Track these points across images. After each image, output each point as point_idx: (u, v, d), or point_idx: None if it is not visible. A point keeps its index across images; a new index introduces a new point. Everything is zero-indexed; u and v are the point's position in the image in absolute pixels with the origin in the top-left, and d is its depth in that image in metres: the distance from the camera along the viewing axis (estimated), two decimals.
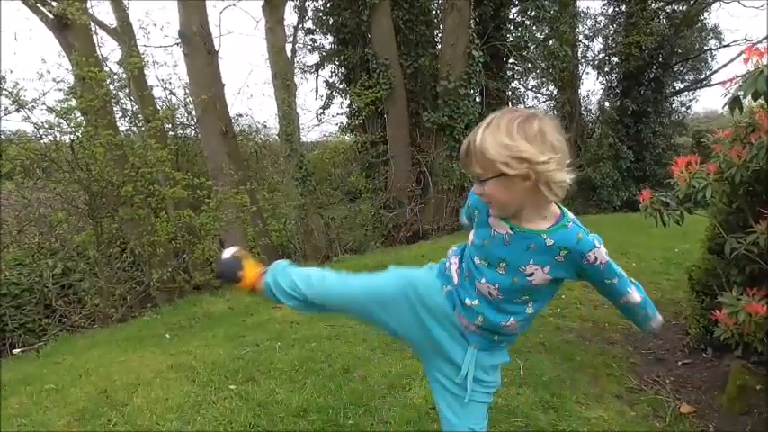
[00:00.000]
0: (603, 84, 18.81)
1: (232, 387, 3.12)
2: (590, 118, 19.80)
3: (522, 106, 14.86)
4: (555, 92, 19.90)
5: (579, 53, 18.93)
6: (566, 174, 1.58)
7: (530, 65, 15.64)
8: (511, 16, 13.91)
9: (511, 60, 14.23)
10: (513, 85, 14.89)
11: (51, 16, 8.41)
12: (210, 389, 3.13)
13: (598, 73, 18.90)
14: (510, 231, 1.63)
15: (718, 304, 3.12)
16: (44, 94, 6.76)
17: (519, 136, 1.49)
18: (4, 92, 6.28)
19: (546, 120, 1.56)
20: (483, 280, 1.68)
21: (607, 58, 18.51)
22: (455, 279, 1.76)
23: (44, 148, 6.67)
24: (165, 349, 4.02)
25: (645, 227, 7.95)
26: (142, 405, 2.93)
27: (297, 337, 4.01)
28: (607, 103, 18.69)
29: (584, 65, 19.36)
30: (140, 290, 6.89)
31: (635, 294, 1.73)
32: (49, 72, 6.90)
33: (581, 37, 18.78)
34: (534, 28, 14.42)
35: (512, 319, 1.70)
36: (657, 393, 3.14)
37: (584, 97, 19.67)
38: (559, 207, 1.68)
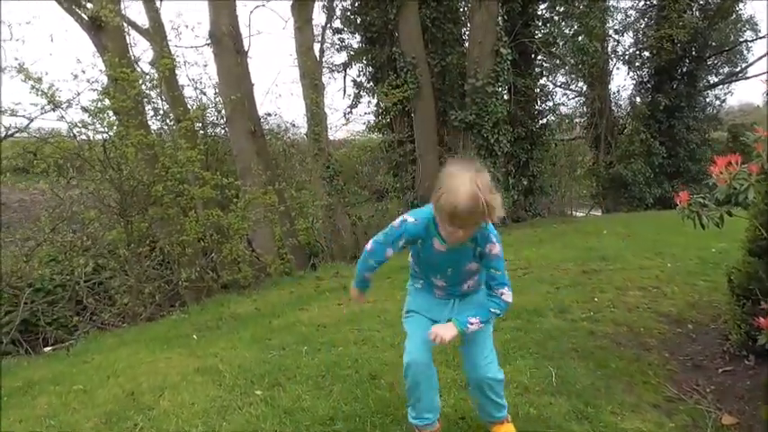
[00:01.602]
0: (634, 79, 18.46)
1: (258, 392, 3.10)
2: (621, 114, 19.43)
3: (551, 103, 14.63)
4: (584, 88, 19.59)
5: (609, 48, 18.60)
6: None
7: (558, 61, 15.41)
8: (539, 12, 13.69)
9: (539, 57, 14.01)
10: (542, 81, 14.65)
11: (86, 18, 8.54)
12: (236, 394, 3.11)
13: (629, 68, 18.54)
14: (444, 246, 2.26)
15: (760, 310, 2.99)
16: (78, 94, 6.84)
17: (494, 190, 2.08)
18: (39, 92, 6.38)
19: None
20: (437, 281, 2.45)
21: (638, 52, 18.14)
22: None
23: (78, 147, 6.78)
24: (192, 351, 4.02)
25: (679, 225, 7.68)
26: (168, 409, 2.92)
27: (323, 341, 3.97)
28: (638, 99, 18.32)
29: (615, 60, 19.03)
30: (169, 288, 6.96)
31: (506, 294, 2.32)
32: (83, 72, 6.98)
33: (611, 32, 18.44)
34: (563, 24, 14.18)
35: (465, 285, 2.46)
36: (697, 403, 3.02)
37: (614, 93, 19.35)
38: None
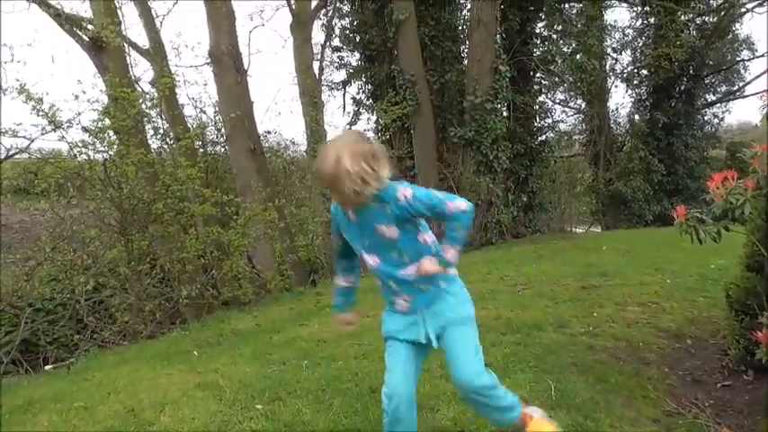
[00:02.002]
0: (633, 96, 18.61)
1: (258, 407, 3.10)
2: (619, 131, 19.55)
3: (550, 120, 14.75)
4: (583, 105, 19.73)
5: (607, 66, 18.77)
6: None
7: (557, 79, 15.53)
8: (537, 30, 13.86)
9: (538, 74, 14.15)
10: (541, 99, 14.77)
11: (87, 39, 8.65)
12: (237, 408, 3.12)
13: (627, 86, 18.71)
14: (355, 215, 2.23)
15: (758, 324, 3.01)
16: (79, 114, 6.91)
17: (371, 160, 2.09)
18: (40, 112, 6.45)
19: None
20: (370, 259, 2.29)
21: (636, 70, 18.30)
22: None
23: (78, 167, 6.83)
24: (193, 367, 4.03)
25: (678, 242, 7.73)
26: (169, 425, 2.93)
27: (323, 355, 3.98)
28: (637, 116, 18.45)
29: (613, 78, 19.19)
30: (169, 306, 6.96)
31: (456, 204, 2.13)
32: (84, 92, 7.04)
33: (609, 50, 18.62)
34: (561, 42, 14.35)
35: (401, 271, 2.25)
36: (696, 417, 3.02)
37: (613, 110, 19.48)
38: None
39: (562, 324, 4.51)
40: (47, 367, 5.22)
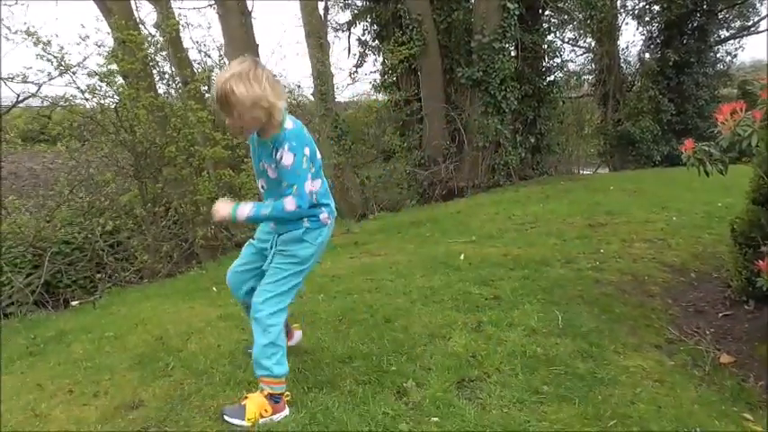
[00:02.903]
0: (644, 34, 18.18)
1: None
2: (629, 70, 19.22)
3: (559, 60, 14.48)
4: (593, 44, 19.33)
5: (618, 2, 18.26)
6: None
7: (566, 16, 15.18)
8: None
9: (547, 12, 13.81)
10: (550, 38, 14.43)
11: None
12: None
13: (638, 23, 18.24)
14: (258, 142, 2.41)
15: (761, 255, 3.11)
16: (85, 59, 6.89)
17: (243, 85, 2.21)
18: (50, 56, 6.44)
19: None
20: (258, 180, 2.52)
21: (648, 6, 17.82)
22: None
23: (90, 111, 6.86)
24: (213, 301, 4.20)
25: (687, 182, 7.86)
26: (196, 351, 3.10)
27: (338, 289, 4.14)
28: (647, 55, 18.08)
29: (624, 15, 18.70)
30: (185, 247, 7.13)
31: (288, 201, 2.27)
32: (88, 37, 6.99)
33: None
34: None
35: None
36: (697, 344, 3.17)
37: (623, 49, 19.08)
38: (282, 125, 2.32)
39: (569, 260, 4.64)
40: (73, 303, 5.42)
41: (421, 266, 4.67)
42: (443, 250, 5.20)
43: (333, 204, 2.57)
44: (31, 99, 7.19)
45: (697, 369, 2.93)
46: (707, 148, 3.14)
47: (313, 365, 2.83)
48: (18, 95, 7.10)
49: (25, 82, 6.85)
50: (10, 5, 7.12)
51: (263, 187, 2.51)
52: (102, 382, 2.81)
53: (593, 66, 19.41)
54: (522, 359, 2.86)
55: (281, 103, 2.26)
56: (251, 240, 2.68)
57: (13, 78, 6.88)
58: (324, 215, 2.48)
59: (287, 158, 2.25)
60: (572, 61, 19.05)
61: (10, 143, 6.25)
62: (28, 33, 6.54)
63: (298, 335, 3.00)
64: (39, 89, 6.91)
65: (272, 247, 2.49)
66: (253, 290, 2.53)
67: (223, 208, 2.37)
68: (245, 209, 2.34)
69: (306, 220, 2.43)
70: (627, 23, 19.54)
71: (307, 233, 2.45)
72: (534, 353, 2.94)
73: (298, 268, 2.46)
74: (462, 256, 4.84)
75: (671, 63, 16.38)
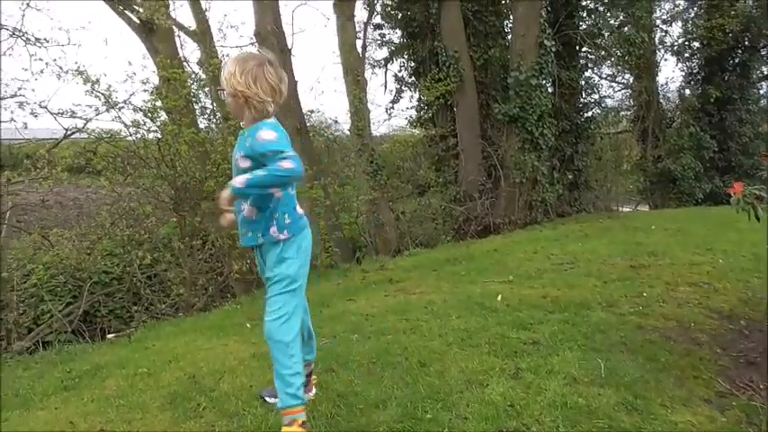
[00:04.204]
0: (684, 70, 17.93)
1: (312, 377, 3.21)
2: (669, 106, 18.91)
3: (596, 96, 14.38)
4: (631, 80, 19.13)
5: (657, 39, 18.09)
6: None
7: (604, 53, 15.08)
8: (584, 3, 13.44)
9: (584, 49, 13.77)
10: (587, 74, 14.39)
11: (138, 22, 8.84)
12: None
13: (678, 59, 18.01)
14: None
15: None
16: (131, 95, 7.13)
17: (244, 72, 2.35)
18: (97, 93, 6.68)
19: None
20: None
21: (687, 43, 17.61)
22: None
23: (133, 146, 7.07)
24: (247, 338, 4.18)
25: (731, 221, 7.61)
26: (228, 391, 3.07)
27: (372, 329, 4.07)
28: (688, 91, 17.79)
29: (663, 51, 18.49)
30: (220, 280, 7.17)
31: (284, 162, 2.18)
32: (135, 74, 7.25)
33: (658, 22, 17.94)
34: (608, 14, 13.88)
35: (243, 204, 2.44)
36: (751, 399, 2.99)
37: (662, 85, 18.81)
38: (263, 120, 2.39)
39: (610, 303, 4.49)
40: (109, 336, 5.48)
41: (457, 307, 4.58)
42: (480, 290, 5.10)
43: (305, 218, 2.61)
44: (77, 133, 7.47)
45: (752, 427, 2.75)
46: (758, 192, 3.03)
47: (346, 410, 2.77)
48: (66, 130, 7.37)
49: (73, 117, 7.13)
50: (63, 45, 7.42)
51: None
52: (133, 421, 2.79)
53: (632, 102, 19.18)
54: (564, 410, 2.74)
55: (268, 101, 2.37)
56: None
57: (62, 114, 7.17)
58: (298, 209, 2.55)
59: (268, 134, 2.27)
60: (610, 97, 18.88)
61: (56, 178, 6.46)
62: (78, 72, 6.82)
63: (313, 392, 2.93)
64: (86, 124, 7.18)
65: (263, 268, 2.54)
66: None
67: (223, 192, 2.33)
68: (242, 177, 2.25)
69: (279, 229, 2.45)
70: (666, 59, 19.34)
71: (286, 248, 2.47)
72: (576, 404, 2.81)
73: (291, 287, 2.48)
74: (499, 297, 4.73)
75: (712, 99, 16.10)
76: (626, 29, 13.49)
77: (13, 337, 5.67)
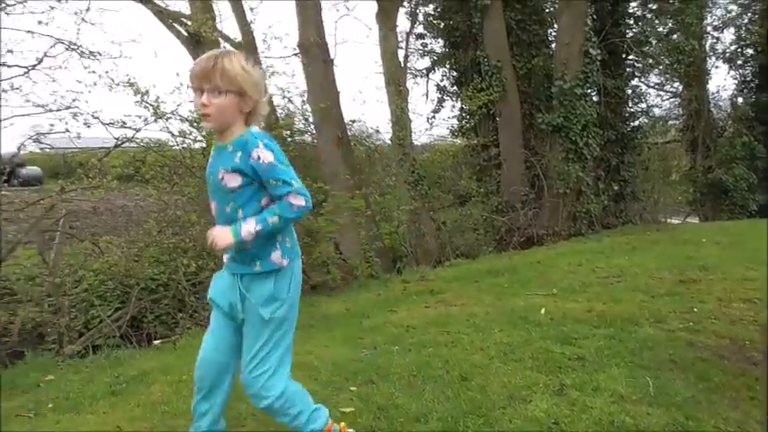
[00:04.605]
0: (736, 78, 17.36)
1: (352, 389, 3.21)
2: (720, 115, 18.30)
3: (643, 105, 14.06)
4: (680, 88, 18.62)
5: (707, 46, 17.58)
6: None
7: (651, 61, 14.73)
8: (630, 10, 13.19)
9: (631, 57, 13.48)
10: (634, 82, 14.07)
11: (186, 34, 9.09)
12: (332, 389, 3.24)
13: (730, 66, 17.45)
14: (213, 152, 2.13)
15: None
16: (179, 106, 7.31)
17: (252, 68, 2.04)
18: (146, 104, 6.88)
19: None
20: (211, 202, 2.16)
21: (740, 49, 17.04)
22: None
23: (179, 155, 7.23)
24: None
25: None
26: None
27: (413, 341, 4.05)
28: (740, 99, 17.22)
29: (714, 58, 17.95)
30: None
31: (293, 197, 1.98)
32: (182, 85, 7.44)
33: (709, 29, 17.43)
34: (656, 21, 13.59)
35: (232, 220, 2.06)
36: None
37: (713, 93, 18.23)
38: (249, 127, 2.10)
39: (659, 319, 4.35)
40: (155, 342, 5.60)
41: (499, 320, 4.51)
42: (523, 303, 5.02)
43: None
44: (127, 143, 7.70)
45: None
46: None
47: (387, 424, 2.75)
48: (117, 139, 7.61)
49: (124, 127, 7.36)
50: (115, 58, 7.67)
51: (214, 209, 2.16)
52: (177, 428, 2.83)
53: (681, 110, 18.65)
54: (610, 429, 2.66)
55: (262, 102, 2.09)
56: (213, 306, 2.27)
57: (113, 124, 7.41)
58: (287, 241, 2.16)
59: (266, 156, 1.97)
60: (658, 106, 18.41)
61: (107, 186, 6.67)
62: (129, 84, 7.04)
63: None
64: (135, 134, 7.39)
65: (242, 305, 2.12)
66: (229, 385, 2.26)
67: (222, 236, 2.00)
68: (249, 225, 1.98)
69: (283, 254, 2.12)
70: (717, 67, 18.69)
71: (279, 280, 2.11)
72: (623, 423, 2.72)
73: (280, 331, 2.16)
74: (543, 311, 4.64)
75: (767, 108, 15.52)
76: (675, 36, 13.18)
77: (64, 341, 5.84)
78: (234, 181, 2.02)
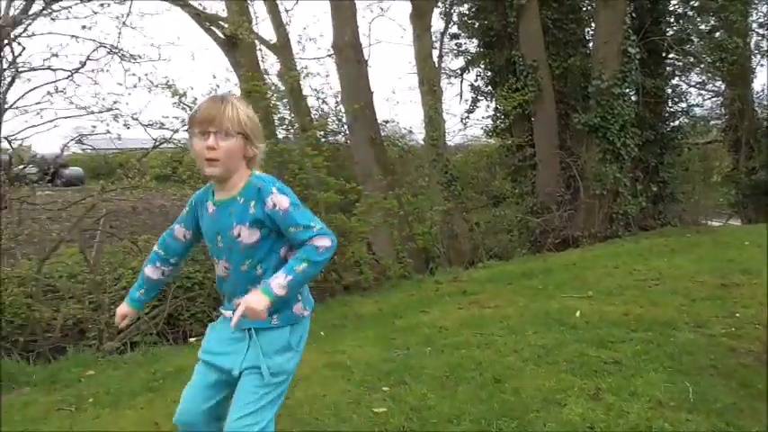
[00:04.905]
0: None
1: (385, 389, 3.21)
2: (765, 115, 17.70)
3: (684, 105, 13.71)
4: (723, 87, 18.09)
5: (752, 44, 17.03)
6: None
7: (693, 59, 14.35)
8: (671, 8, 12.88)
9: (671, 56, 13.17)
10: (674, 81, 13.74)
11: (223, 37, 9.24)
12: (364, 389, 3.25)
13: None
14: (214, 207, 1.90)
15: None
16: None
17: (254, 115, 1.89)
18: (182, 105, 7.02)
19: None
20: (218, 263, 1.93)
21: None
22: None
23: None
24: (321, 347, 4.23)
25: None
26: (302, 399, 3.11)
27: (446, 343, 4.03)
28: None
29: (759, 56, 17.36)
30: None
31: (319, 239, 1.79)
32: (218, 86, 7.57)
33: (754, 26, 16.86)
34: (698, 19, 13.23)
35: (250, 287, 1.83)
36: None
37: (758, 92, 17.65)
38: (252, 171, 1.91)
39: (699, 323, 4.24)
40: (190, 339, 5.70)
41: (533, 322, 4.45)
42: (557, 306, 4.94)
43: None
44: (165, 143, 7.87)
45: None
46: None
47: (419, 424, 2.74)
48: (155, 140, 7.78)
49: (162, 128, 7.52)
50: (154, 60, 7.84)
51: (225, 269, 1.92)
52: None
53: (723, 110, 18.11)
54: None
55: (261, 149, 1.92)
56: (200, 359, 2.02)
57: (152, 125, 7.58)
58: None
59: (282, 202, 1.80)
60: (699, 106, 17.89)
61: (145, 186, 6.81)
62: (167, 86, 7.19)
63: None
64: (173, 135, 7.55)
65: (245, 349, 1.89)
66: None
67: (257, 300, 1.74)
68: (279, 279, 1.76)
69: (304, 304, 1.96)
70: (762, 65, 18.13)
71: (293, 334, 1.93)
72: (661, 429, 2.66)
73: (283, 387, 1.95)
74: (578, 314, 4.56)
75: None
76: (718, 34, 12.80)
77: (104, 338, 6.00)
78: (253, 236, 1.84)
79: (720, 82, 17.71)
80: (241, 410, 1.85)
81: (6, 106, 6.01)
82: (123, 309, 2.10)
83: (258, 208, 1.82)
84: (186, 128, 1.68)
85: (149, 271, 2.09)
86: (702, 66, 15.11)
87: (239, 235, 1.84)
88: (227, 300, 1.98)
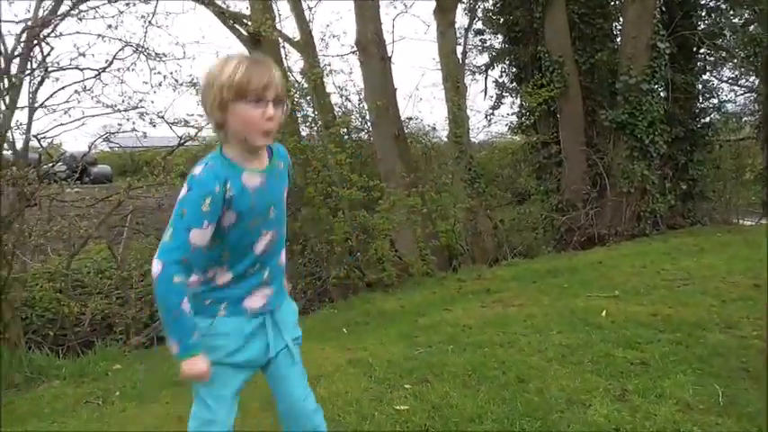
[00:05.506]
0: None
1: (407, 387, 3.20)
2: None
3: (715, 101, 13.40)
4: (756, 83, 17.64)
5: None
6: None
7: (725, 54, 14.01)
8: (702, 1, 12.59)
9: (702, 50, 12.87)
10: (705, 77, 13.42)
11: (246, 34, 9.29)
12: (386, 386, 3.24)
13: None
14: (261, 177, 1.70)
15: None
16: None
17: None
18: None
19: None
20: (264, 236, 1.73)
21: None
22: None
23: None
24: (343, 344, 4.23)
25: None
26: (324, 396, 3.11)
27: (469, 341, 3.99)
28: None
29: None
30: (318, 285, 7.33)
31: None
32: None
33: None
34: (731, 13, 12.91)
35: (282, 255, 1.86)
36: None
37: None
38: None
39: (730, 325, 4.13)
40: None
41: (558, 321, 4.39)
42: (583, 305, 4.87)
43: None
44: (189, 141, 7.94)
45: None
46: None
47: (441, 423, 2.72)
48: (180, 138, 7.86)
49: (186, 126, 7.59)
50: (179, 59, 7.91)
51: (270, 241, 1.76)
52: (235, 421, 2.88)
53: (757, 106, 17.66)
54: None
55: None
56: (225, 363, 1.84)
57: (177, 123, 7.66)
58: None
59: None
60: (731, 102, 17.46)
61: (170, 183, 6.89)
62: (192, 84, 7.26)
63: None
64: (197, 133, 7.61)
65: (267, 335, 1.84)
66: None
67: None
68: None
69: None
70: None
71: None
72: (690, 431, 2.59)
73: None
74: (604, 313, 4.49)
75: None
76: (751, 28, 12.47)
77: (131, 332, 6.10)
78: (284, 196, 1.84)
79: (754, 77, 17.26)
80: (306, 389, 1.95)
81: (36, 105, 6.10)
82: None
83: (285, 167, 1.85)
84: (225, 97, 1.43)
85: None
86: (735, 60, 14.74)
87: (282, 197, 1.82)
88: (246, 290, 1.77)
